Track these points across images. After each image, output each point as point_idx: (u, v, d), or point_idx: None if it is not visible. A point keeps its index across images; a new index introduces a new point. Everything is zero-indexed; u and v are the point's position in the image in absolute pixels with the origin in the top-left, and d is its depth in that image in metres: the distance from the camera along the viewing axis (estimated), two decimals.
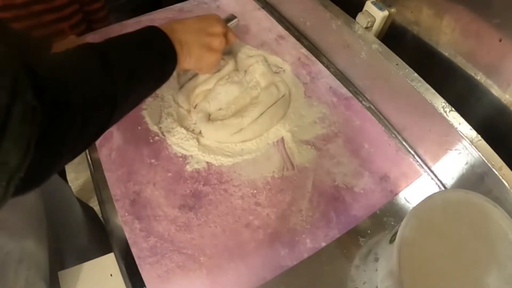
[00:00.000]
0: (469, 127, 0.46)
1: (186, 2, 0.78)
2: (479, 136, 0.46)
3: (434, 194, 0.36)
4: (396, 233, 0.34)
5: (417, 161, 0.55)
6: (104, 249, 0.51)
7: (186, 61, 0.47)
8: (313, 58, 0.67)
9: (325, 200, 0.50)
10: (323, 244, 0.47)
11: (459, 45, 0.52)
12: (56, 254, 0.56)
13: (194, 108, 0.59)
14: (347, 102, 0.61)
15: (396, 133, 0.58)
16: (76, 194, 0.80)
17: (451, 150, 0.49)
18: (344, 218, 0.49)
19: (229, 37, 0.55)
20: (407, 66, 0.53)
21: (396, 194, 0.52)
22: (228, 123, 0.55)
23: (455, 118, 0.47)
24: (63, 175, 0.97)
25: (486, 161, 0.44)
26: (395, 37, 0.60)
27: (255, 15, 0.75)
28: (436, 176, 0.53)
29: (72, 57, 0.34)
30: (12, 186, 0.23)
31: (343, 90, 0.63)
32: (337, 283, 0.44)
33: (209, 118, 0.57)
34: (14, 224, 0.46)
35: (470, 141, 0.45)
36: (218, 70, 0.61)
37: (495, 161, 0.44)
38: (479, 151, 0.45)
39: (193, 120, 0.58)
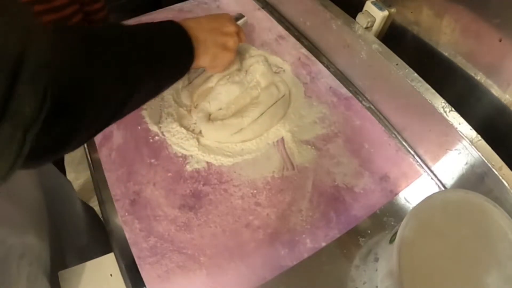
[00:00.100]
0: (469, 127, 0.46)
1: (186, 2, 0.78)
2: (479, 136, 0.46)
3: (434, 194, 0.36)
4: (396, 233, 0.34)
5: (417, 161, 0.55)
6: (104, 249, 0.51)
7: (202, 59, 0.48)
8: (313, 58, 0.67)
9: (325, 200, 0.50)
10: (323, 244, 0.47)
11: (459, 45, 0.52)
12: (58, 253, 0.56)
13: (195, 107, 0.59)
14: (347, 102, 0.61)
15: (396, 133, 0.58)
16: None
17: (451, 150, 0.49)
18: (344, 218, 0.49)
19: (241, 36, 0.55)
20: (407, 66, 0.53)
21: (396, 194, 0.52)
22: (228, 123, 0.55)
23: (455, 118, 0.47)
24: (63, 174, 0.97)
25: (486, 161, 0.44)
26: (395, 37, 0.60)
27: (255, 15, 0.75)
28: (436, 176, 0.53)
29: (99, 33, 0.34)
30: (28, 141, 0.22)
31: (343, 90, 0.63)
32: (337, 283, 0.44)
33: (209, 118, 0.57)
34: (15, 218, 0.46)
35: (470, 141, 0.45)
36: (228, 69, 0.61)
37: (495, 161, 0.44)
38: (479, 151, 0.44)
39: (193, 120, 0.58)
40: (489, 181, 0.44)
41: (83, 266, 0.51)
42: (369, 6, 0.58)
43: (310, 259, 0.46)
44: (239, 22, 0.63)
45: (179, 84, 0.62)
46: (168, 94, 0.61)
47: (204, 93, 0.60)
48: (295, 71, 0.65)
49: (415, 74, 0.52)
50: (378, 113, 0.60)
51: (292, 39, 0.70)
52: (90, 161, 0.54)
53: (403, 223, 0.34)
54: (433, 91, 0.50)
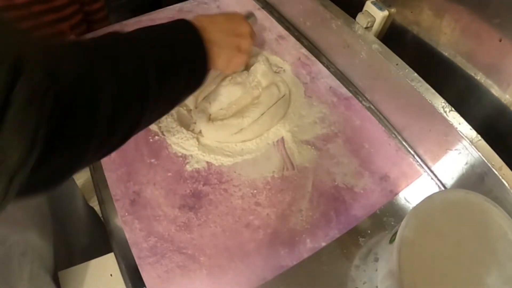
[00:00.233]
0: (469, 127, 0.46)
1: (186, 2, 0.78)
2: (479, 136, 0.46)
3: (434, 194, 0.36)
4: (396, 233, 0.34)
5: (417, 161, 0.55)
6: (104, 249, 0.51)
7: (216, 62, 0.44)
8: (313, 58, 0.67)
9: (325, 200, 0.50)
10: (323, 244, 0.47)
11: (459, 45, 0.52)
12: (62, 251, 0.56)
13: (195, 105, 0.59)
14: (347, 102, 0.61)
15: (396, 133, 0.58)
16: None
17: (451, 150, 0.49)
18: (344, 218, 0.49)
19: (253, 37, 0.53)
20: (407, 66, 0.53)
21: (396, 194, 0.52)
22: (228, 123, 0.55)
23: (455, 118, 0.47)
24: None
25: (486, 161, 0.44)
26: (395, 37, 0.60)
27: (255, 15, 0.75)
28: (436, 176, 0.53)
29: (101, 46, 0.30)
30: (15, 186, 0.20)
31: (343, 90, 0.63)
32: (337, 283, 0.44)
33: (209, 118, 0.57)
34: (17, 216, 0.46)
35: (470, 141, 0.45)
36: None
37: (495, 161, 0.44)
38: (479, 151, 0.44)
39: (193, 120, 0.58)
40: (489, 181, 0.44)
41: (83, 266, 0.51)
42: (369, 6, 0.58)
43: (310, 259, 0.46)
44: (250, 21, 0.61)
45: None
46: None
47: (204, 93, 0.60)
48: (295, 71, 0.65)
49: (415, 74, 0.52)
50: (378, 113, 0.60)
51: (292, 39, 0.70)
52: None
53: (403, 223, 0.34)
54: (433, 91, 0.50)
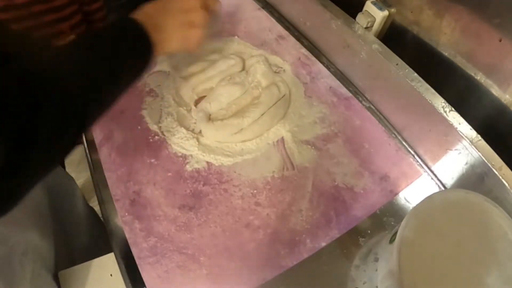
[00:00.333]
0: (469, 127, 0.46)
1: None
2: (479, 136, 0.46)
3: (434, 194, 0.36)
4: (396, 233, 0.34)
5: (417, 161, 0.55)
6: (104, 249, 0.51)
7: (167, 46, 0.44)
8: (313, 58, 0.67)
9: (325, 200, 0.50)
10: (323, 244, 0.47)
11: (459, 45, 0.52)
12: (63, 250, 0.56)
13: (194, 105, 0.59)
14: (347, 102, 0.61)
15: (396, 133, 0.58)
16: None
17: (451, 150, 0.49)
18: (344, 218, 0.49)
19: (209, 5, 0.50)
20: (407, 66, 0.53)
21: (396, 194, 0.52)
22: (228, 123, 0.55)
23: (455, 118, 0.47)
24: None
25: (486, 161, 0.44)
26: (395, 37, 0.60)
27: (255, 15, 0.75)
28: (436, 176, 0.53)
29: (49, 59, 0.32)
30: None
31: (343, 90, 0.63)
32: (337, 283, 0.44)
33: (209, 117, 0.57)
34: (18, 215, 0.46)
35: (470, 141, 0.45)
36: (227, 69, 0.61)
37: (495, 161, 0.44)
38: (479, 151, 0.44)
39: (193, 120, 0.58)
40: (489, 181, 0.44)
41: (83, 266, 0.51)
42: (369, 6, 0.57)
43: (310, 259, 0.46)
44: None
45: (178, 83, 0.62)
46: (168, 94, 0.61)
47: (203, 93, 0.60)
48: (295, 71, 0.65)
49: (415, 74, 0.52)
50: (378, 113, 0.60)
51: (292, 39, 0.70)
52: (90, 161, 0.54)
53: (403, 223, 0.34)
54: (433, 91, 0.50)
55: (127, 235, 0.46)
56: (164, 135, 0.56)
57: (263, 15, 0.75)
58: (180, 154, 0.54)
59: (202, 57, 0.66)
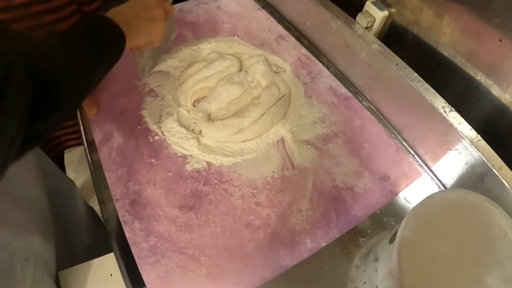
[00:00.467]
0: (469, 127, 0.46)
1: (186, 2, 0.78)
2: (479, 136, 0.46)
3: (434, 194, 0.36)
4: (396, 233, 0.34)
5: (417, 161, 0.55)
6: (104, 249, 0.51)
7: (135, 37, 0.50)
8: (313, 58, 0.67)
9: (325, 200, 0.50)
10: (323, 244, 0.47)
11: (459, 45, 0.52)
12: (64, 254, 0.56)
13: (193, 105, 0.59)
14: (347, 102, 0.61)
15: (396, 133, 0.58)
16: None
17: (451, 150, 0.49)
18: (344, 218, 0.49)
19: (166, 8, 0.56)
20: (407, 66, 0.53)
21: (396, 194, 0.52)
22: (228, 123, 0.55)
23: (455, 118, 0.47)
24: None
25: (486, 161, 0.44)
26: (395, 37, 0.60)
27: (255, 15, 0.75)
28: (436, 176, 0.53)
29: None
30: (12, 152, 0.27)
31: (343, 90, 0.63)
32: (337, 283, 0.44)
33: (209, 118, 0.57)
34: (19, 220, 0.46)
35: (470, 141, 0.45)
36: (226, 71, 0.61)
37: (495, 161, 0.44)
38: (479, 151, 0.44)
39: (193, 120, 0.58)
40: (489, 181, 0.44)
41: (83, 266, 0.51)
42: (369, 6, 0.58)
43: (310, 259, 0.46)
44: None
45: (178, 81, 0.62)
46: (168, 94, 0.61)
47: (199, 92, 0.60)
48: (295, 71, 0.65)
49: (415, 74, 0.52)
50: (378, 113, 0.60)
51: (292, 39, 0.70)
52: (90, 161, 0.54)
53: (403, 223, 0.34)
54: (433, 91, 0.50)
55: (127, 235, 0.46)
56: (164, 135, 0.56)
57: (263, 15, 0.75)
58: (180, 154, 0.54)
59: (201, 57, 0.66)
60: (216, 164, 0.53)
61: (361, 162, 0.54)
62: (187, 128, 0.57)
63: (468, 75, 0.52)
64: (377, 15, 0.57)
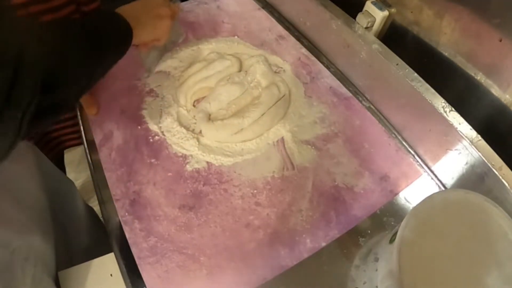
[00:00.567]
0: (469, 127, 0.46)
1: (186, 2, 0.78)
2: (479, 136, 0.46)
3: (434, 194, 0.36)
4: (396, 233, 0.34)
5: (417, 161, 0.55)
6: (104, 249, 0.51)
7: (141, 33, 0.51)
8: (313, 58, 0.67)
9: (325, 200, 0.50)
10: (323, 244, 0.47)
11: (459, 45, 0.52)
12: (64, 254, 0.56)
13: (193, 105, 0.59)
14: (347, 102, 0.61)
15: (396, 133, 0.58)
16: None
17: (451, 150, 0.49)
18: (344, 218, 0.49)
19: (173, 8, 0.58)
20: (407, 66, 0.53)
21: (396, 194, 0.52)
22: (228, 123, 0.55)
23: (455, 118, 0.47)
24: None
25: (486, 161, 0.44)
26: (395, 37, 0.60)
27: (255, 15, 0.75)
28: (436, 176, 0.53)
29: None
30: (26, 119, 0.28)
31: (343, 90, 0.63)
32: (337, 283, 0.44)
33: (209, 118, 0.57)
34: (19, 220, 0.46)
35: (470, 141, 0.45)
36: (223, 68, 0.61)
37: (495, 161, 0.44)
38: (479, 151, 0.44)
39: (193, 120, 0.58)
40: (489, 181, 0.44)
41: (83, 266, 0.51)
42: (369, 6, 0.57)
43: (310, 259, 0.46)
44: (174, 1, 0.63)
45: (178, 82, 0.62)
46: (168, 94, 0.61)
47: (199, 92, 0.60)
48: (295, 71, 0.65)
49: (415, 74, 0.52)
50: (378, 113, 0.60)
51: (292, 39, 0.70)
52: (90, 161, 0.54)
53: (403, 223, 0.34)
54: (433, 91, 0.50)
55: (127, 235, 0.46)
56: (164, 135, 0.56)
57: (263, 15, 0.75)
58: (180, 154, 0.54)
59: (201, 57, 0.66)
60: (216, 164, 0.53)
61: (361, 162, 0.54)
62: (187, 128, 0.57)
63: (468, 75, 0.52)
64: (377, 15, 0.57)
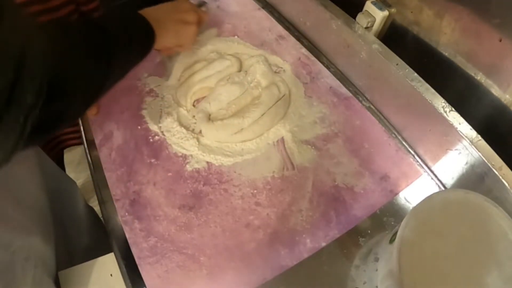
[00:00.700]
0: (469, 127, 0.46)
1: None
2: (479, 136, 0.46)
3: (434, 194, 0.36)
4: (396, 233, 0.34)
5: (417, 161, 0.55)
6: (104, 249, 0.51)
7: (163, 37, 0.50)
8: (313, 58, 0.67)
9: (325, 200, 0.50)
10: (323, 244, 0.47)
11: (459, 45, 0.52)
12: (64, 254, 0.56)
13: (193, 105, 0.59)
14: (347, 102, 0.61)
15: (396, 133, 0.58)
16: None
17: (451, 150, 0.49)
18: (344, 218, 0.49)
19: (200, 14, 0.57)
20: (407, 66, 0.52)
21: (396, 194, 0.52)
22: (228, 123, 0.55)
23: (455, 118, 0.47)
24: None
25: (486, 161, 0.44)
26: (395, 37, 0.60)
27: (255, 15, 0.75)
28: (436, 176, 0.53)
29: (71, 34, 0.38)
30: (28, 124, 0.27)
31: (343, 90, 0.63)
32: (337, 283, 0.44)
33: (209, 118, 0.57)
34: (20, 221, 0.46)
35: (470, 141, 0.45)
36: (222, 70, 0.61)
37: (495, 161, 0.44)
38: (479, 151, 0.44)
39: (193, 120, 0.58)
40: (489, 181, 0.44)
41: (83, 266, 0.51)
42: (369, 6, 0.57)
43: (310, 259, 0.46)
44: (202, 8, 0.63)
45: (178, 82, 0.62)
46: (168, 94, 0.61)
47: (199, 92, 0.60)
48: (295, 71, 0.65)
49: (415, 74, 0.52)
50: (378, 113, 0.60)
51: (292, 39, 0.70)
52: (90, 161, 0.54)
53: (403, 223, 0.34)
54: (433, 91, 0.50)
55: (127, 235, 0.46)
56: (164, 135, 0.56)
57: (263, 15, 0.75)
58: (180, 154, 0.54)
59: (201, 57, 0.66)
60: (216, 164, 0.53)
61: (361, 162, 0.54)
62: (187, 128, 0.57)
63: (468, 75, 0.52)
64: (377, 15, 0.57)
